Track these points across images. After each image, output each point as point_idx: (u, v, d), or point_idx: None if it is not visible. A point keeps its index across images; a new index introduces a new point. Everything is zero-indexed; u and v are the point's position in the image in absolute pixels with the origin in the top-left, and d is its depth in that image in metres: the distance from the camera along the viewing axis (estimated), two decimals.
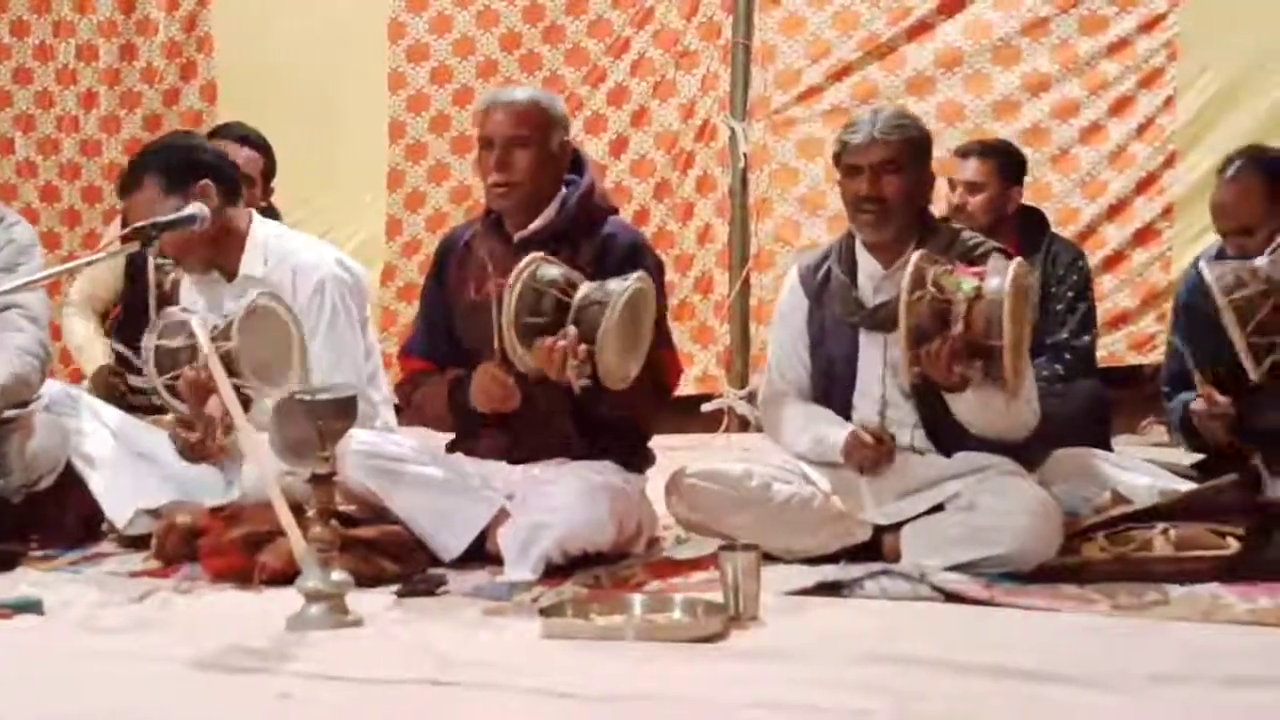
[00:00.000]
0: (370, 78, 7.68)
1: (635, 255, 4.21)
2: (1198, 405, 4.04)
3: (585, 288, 3.88)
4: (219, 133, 5.46)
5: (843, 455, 4.08)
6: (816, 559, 4.07)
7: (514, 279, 3.84)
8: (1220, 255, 4.19)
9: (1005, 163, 5.19)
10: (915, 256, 3.85)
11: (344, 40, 7.70)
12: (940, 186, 4.44)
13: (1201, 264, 3.93)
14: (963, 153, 5.22)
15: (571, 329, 3.81)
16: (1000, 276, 3.77)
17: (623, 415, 4.10)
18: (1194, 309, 4.13)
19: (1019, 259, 3.92)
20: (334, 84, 7.70)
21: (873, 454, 4.04)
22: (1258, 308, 3.79)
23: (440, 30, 7.63)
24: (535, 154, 4.15)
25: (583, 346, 3.79)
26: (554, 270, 3.89)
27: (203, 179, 4.32)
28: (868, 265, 4.16)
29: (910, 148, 4.09)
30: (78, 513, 4.50)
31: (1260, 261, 3.85)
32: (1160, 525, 3.91)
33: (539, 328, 3.83)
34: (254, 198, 5.08)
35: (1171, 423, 4.33)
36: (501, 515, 4.08)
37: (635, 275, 3.91)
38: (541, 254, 3.94)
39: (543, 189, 4.19)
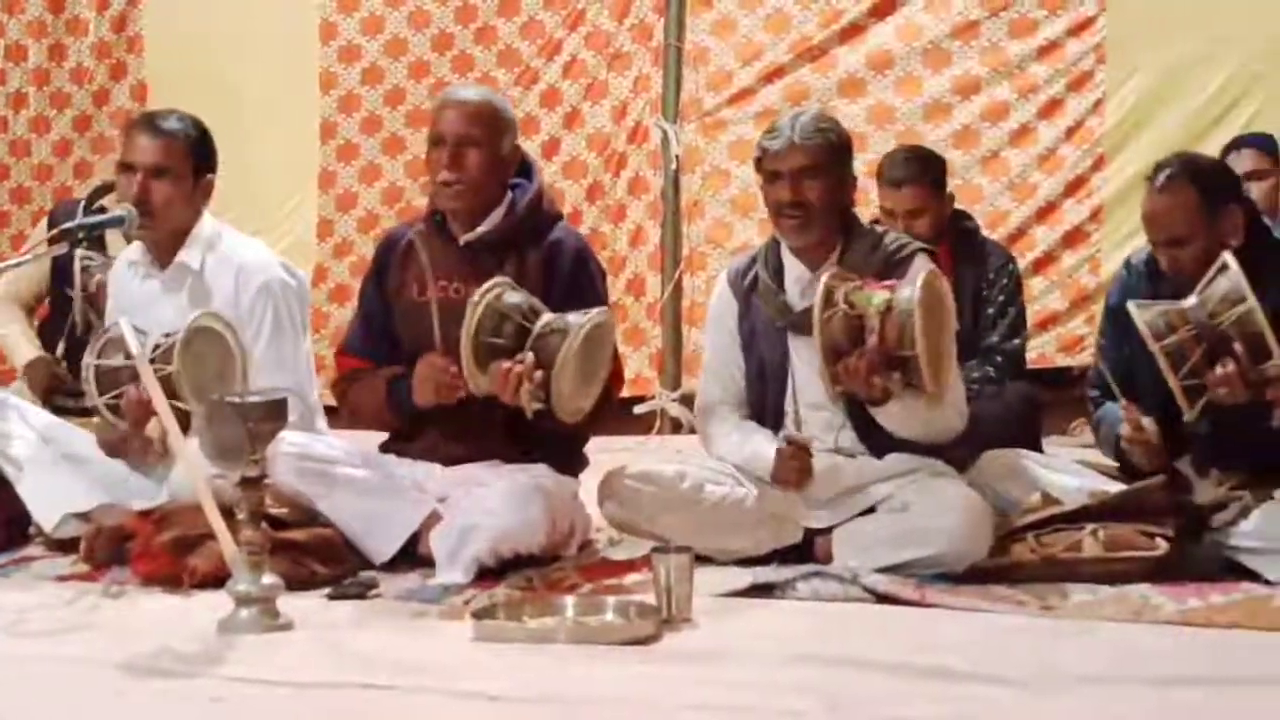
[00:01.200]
0: (301, 78, 7.64)
1: (582, 262, 4.21)
2: (1123, 431, 4.06)
3: (547, 316, 3.89)
4: None
5: (770, 476, 4.08)
6: (749, 560, 4.07)
7: (478, 298, 3.85)
8: (1150, 262, 4.20)
9: (935, 178, 5.18)
10: (825, 276, 3.86)
11: (275, 41, 7.66)
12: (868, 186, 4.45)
13: (1131, 306, 3.93)
14: (894, 183, 5.13)
15: (529, 355, 3.81)
16: (910, 287, 3.80)
17: (570, 431, 4.09)
18: (1124, 314, 4.15)
19: (931, 267, 3.94)
20: (265, 85, 7.65)
21: (797, 465, 4.04)
22: (1189, 353, 3.81)
23: (372, 31, 7.60)
24: (486, 154, 4.14)
25: (539, 373, 3.79)
26: (518, 296, 3.90)
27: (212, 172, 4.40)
28: (794, 269, 4.17)
29: (830, 152, 4.10)
30: (4, 516, 4.45)
31: (1189, 303, 3.85)
32: (1090, 526, 3.93)
33: (497, 350, 3.83)
34: None
35: (1099, 436, 4.35)
36: (433, 518, 4.06)
37: (598, 310, 3.92)
38: (508, 279, 3.95)
39: (491, 191, 4.18)
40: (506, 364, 3.82)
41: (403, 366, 4.17)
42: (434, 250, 4.22)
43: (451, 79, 7.37)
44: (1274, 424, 3.80)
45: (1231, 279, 3.80)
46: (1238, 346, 3.76)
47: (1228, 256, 3.84)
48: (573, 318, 3.87)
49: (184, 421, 3.81)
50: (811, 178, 4.06)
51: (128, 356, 3.97)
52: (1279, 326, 3.83)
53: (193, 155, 4.37)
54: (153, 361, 3.93)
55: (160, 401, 3.75)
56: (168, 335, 4.06)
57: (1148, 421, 4.01)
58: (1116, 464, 4.29)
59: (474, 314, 3.83)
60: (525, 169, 4.31)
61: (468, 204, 4.17)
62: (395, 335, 4.29)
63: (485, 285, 3.88)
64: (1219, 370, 3.78)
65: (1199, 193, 3.99)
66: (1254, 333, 3.76)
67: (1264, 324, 3.74)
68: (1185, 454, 4.10)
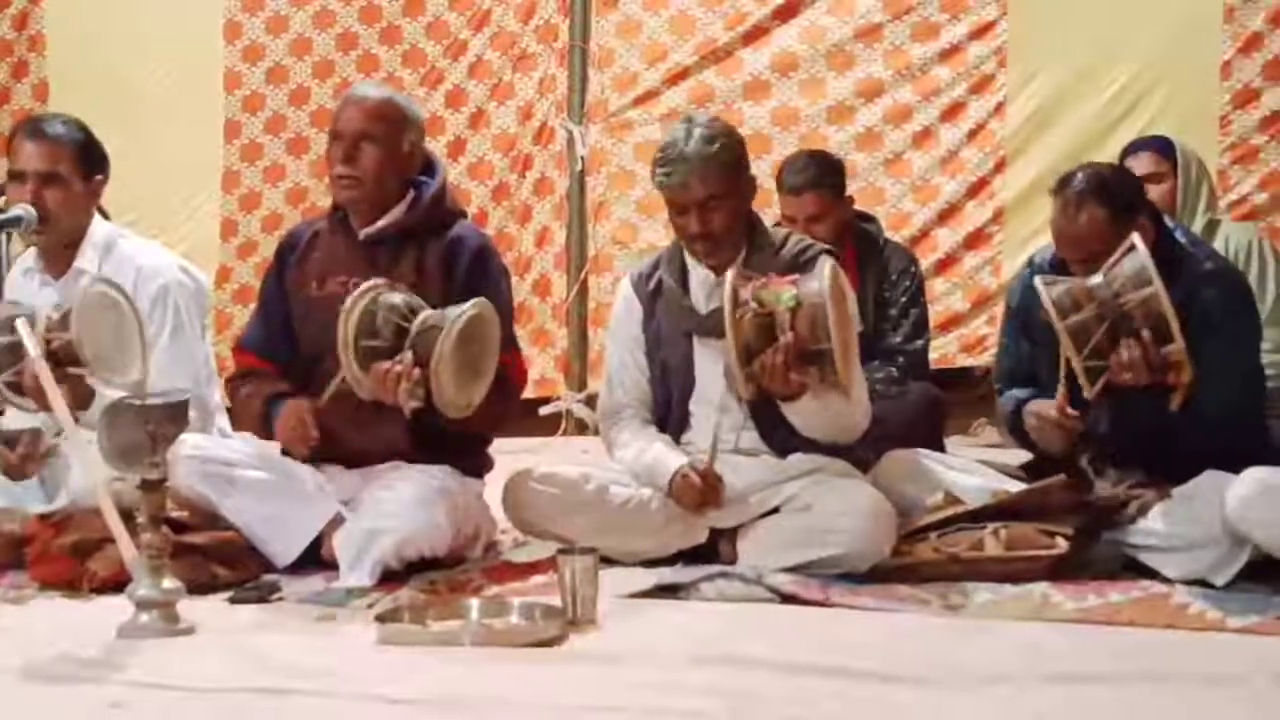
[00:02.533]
0: (206, 78, 7.57)
1: (482, 259, 4.20)
2: (1043, 409, 4.07)
3: (425, 313, 3.87)
4: None
5: (670, 493, 4.08)
6: (654, 561, 4.08)
7: (351, 303, 3.83)
8: (1055, 263, 4.23)
9: (834, 182, 5.19)
10: (729, 276, 3.87)
11: (179, 40, 7.58)
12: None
13: (1037, 282, 3.94)
14: (793, 189, 5.14)
15: (408, 354, 3.80)
16: (817, 281, 3.82)
17: (468, 430, 4.07)
18: (1030, 311, 4.18)
19: (832, 261, 3.96)
20: (169, 84, 7.58)
21: (698, 495, 4.04)
22: (1092, 332, 3.83)
23: (277, 30, 7.55)
24: (382, 152, 4.13)
25: (417, 370, 3.78)
26: (396, 297, 3.88)
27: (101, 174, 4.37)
28: (699, 272, 4.18)
29: (728, 174, 4.06)
30: None
31: (1094, 280, 3.87)
32: (991, 525, 3.96)
33: (377, 351, 3.82)
34: None
35: (1002, 417, 4.38)
36: (337, 520, 4.04)
37: (474, 301, 3.89)
38: (386, 280, 3.93)
39: (387, 188, 4.17)
40: (385, 364, 3.80)
41: (291, 379, 4.17)
42: (334, 245, 4.21)
43: (356, 79, 7.33)
44: (1173, 408, 3.84)
45: (1138, 260, 3.82)
46: (1142, 329, 3.80)
47: (1136, 238, 3.86)
48: (450, 311, 3.86)
49: (86, 391, 3.76)
50: (714, 208, 4.04)
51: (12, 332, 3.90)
52: (1182, 323, 3.88)
53: (81, 159, 4.33)
54: (49, 330, 3.87)
55: (46, 376, 3.70)
56: (58, 306, 4.00)
57: (1073, 412, 4.03)
58: (1017, 441, 4.32)
59: (349, 318, 3.82)
60: (429, 166, 4.29)
61: (361, 199, 4.16)
62: (294, 334, 4.26)
63: (361, 288, 3.87)
64: (1122, 351, 3.80)
65: (1111, 211, 4.00)
66: (1158, 315, 3.79)
67: (1168, 308, 3.77)
68: (1084, 453, 4.14)
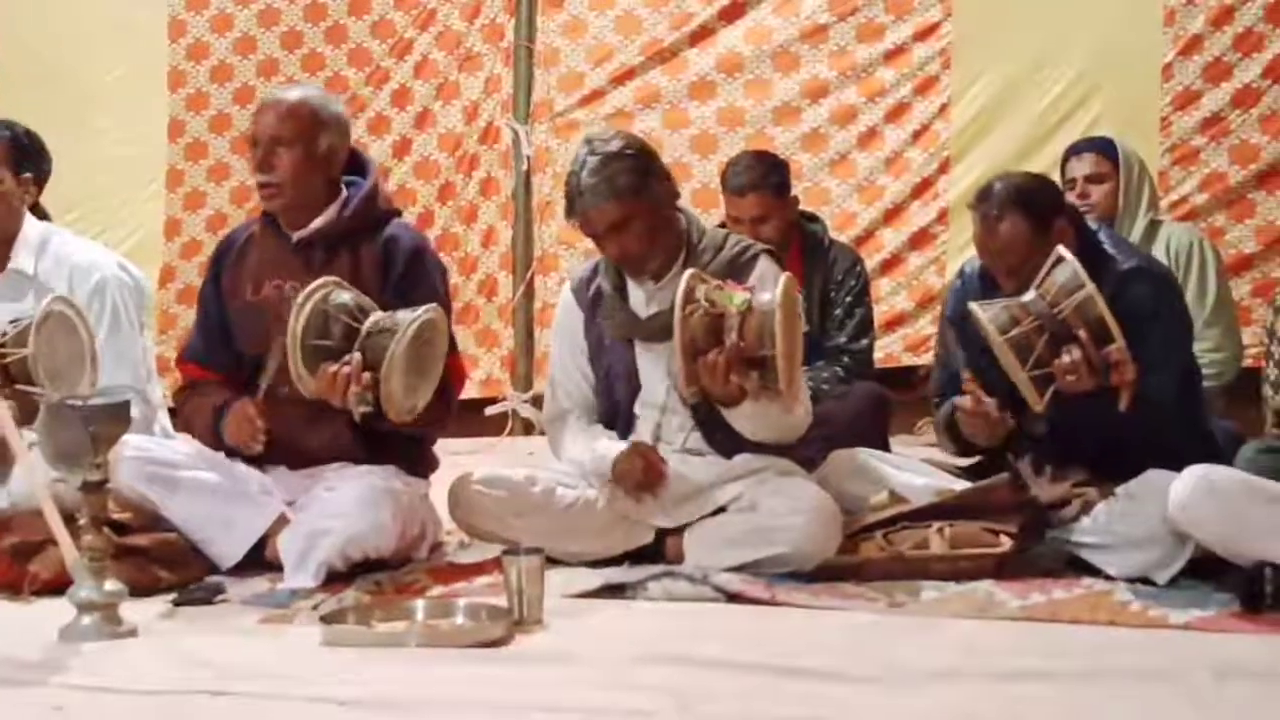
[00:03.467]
0: (150, 76, 7.52)
1: (418, 258, 4.18)
2: (964, 402, 4.10)
3: (376, 315, 3.85)
4: None
5: (614, 477, 4.09)
6: (601, 562, 4.08)
7: (303, 300, 3.81)
8: (985, 273, 4.26)
9: (778, 183, 5.20)
10: (686, 275, 3.87)
11: (124, 38, 7.53)
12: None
13: (973, 307, 3.98)
14: (737, 190, 5.12)
15: (356, 356, 3.79)
16: (770, 289, 3.83)
17: (409, 431, 4.06)
18: (961, 323, 4.21)
19: (788, 274, 3.96)
20: (113, 82, 7.53)
21: (641, 474, 4.05)
22: (1033, 344, 3.86)
23: (221, 29, 7.51)
24: (299, 155, 4.10)
25: (366, 374, 3.77)
26: (346, 296, 3.86)
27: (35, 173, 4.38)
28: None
29: (626, 198, 4.00)
30: None
31: (1028, 297, 3.90)
32: (936, 524, 3.99)
33: (325, 352, 3.80)
34: None
35: (937, 424, 4.40)
36: (281, 521, 4.02)
37: (427, 307, 3.88)
38: (335, 278, 3.91)
39: (310, 191, 4.14)
40: (334, 366, 3.79)
41: (238, 390, 4.14)
42: (268, 250, 4.19)
43: (301, 78, 7.31)
44: (1121, 408, 3.86)
45: (1069, 268, 3.86)
46: (1081, 333, 3.83)
47: (1062, 249, 3.91)
48: (402, 315, 3.84)
49: (33, 406, 3.75)
50: (623, 230, 4.03)
51: None
52: None
53: (10, 158, 4.31)
54: (3, 346, 3.86)
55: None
56: (14, 322, 3.98)
57: (988, 399, 4.05)
58: (954, 451, 4.34)
59: (299, 316, 3.79)
60: (360, 165, 4.27)
61: (286, 205, 4.14)
62: (233, 340, 4.24)
63: (311, 286, 3.85)
64: (1065, 358, 3.83)
65: (1030, 220, 4.04)
66: (1095, 318, 3.82)
67: (1104, 309, 3.80)
68: (1025, 456, 4.16)
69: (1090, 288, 3.81)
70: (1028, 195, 4.10)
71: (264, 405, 4.00)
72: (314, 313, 3.80)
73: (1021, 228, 4.04)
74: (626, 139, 4.12)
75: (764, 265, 4.07)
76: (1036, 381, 3.87)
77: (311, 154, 4.12)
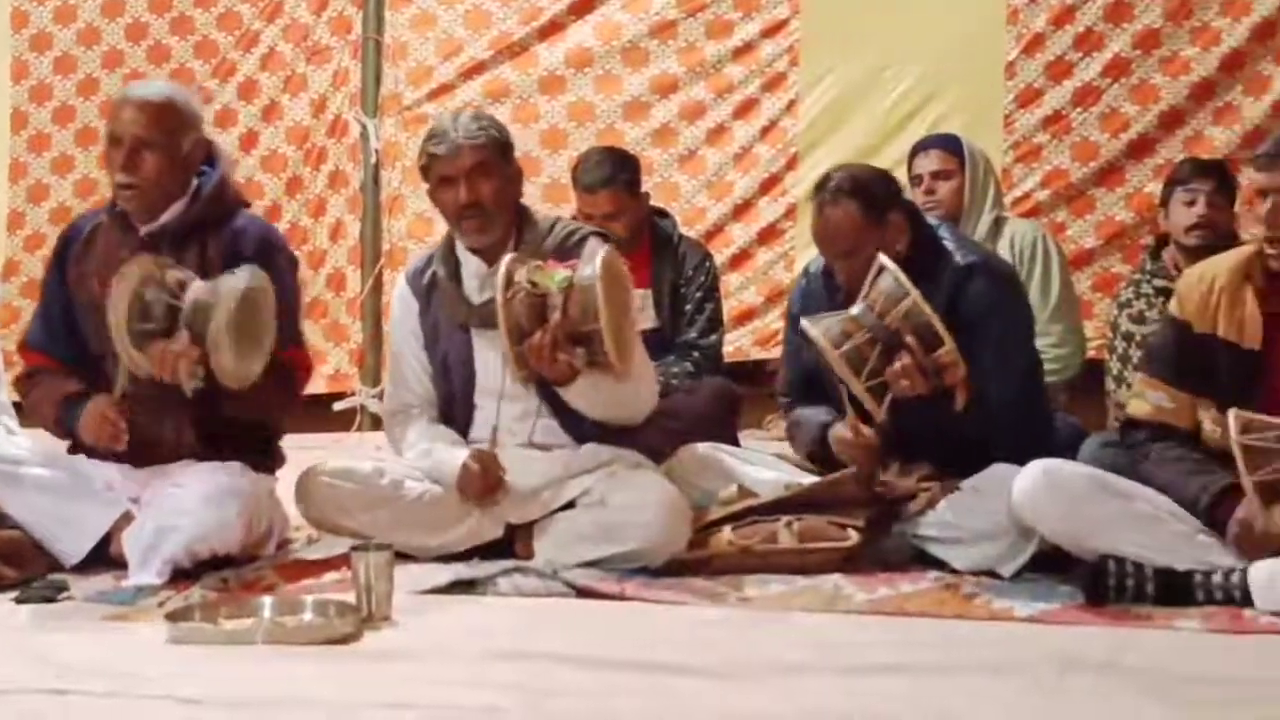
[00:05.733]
0: None
1: (266, 249, 4.14)
2: (843, 433, 4.14)
3: (195, 288, 3.80)
4: None
5: (455, 486, 4.07)
6: (450, 557, 4.06)
7: (117, 287, 3.76)
8: (829, 271, 4.30)
9: (628, 179, 5.21)
10: (505, 259, 3.89)
11: None
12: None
13: (804, 324, 4.03)
14: (588, 187, 5.14)
15: (184, 332, 3.74)
16: (591, 264, 3.84)
17: (249, 415, 4.01)
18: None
19: (608, 245, 3.98)
20: None
21: (480, 484, 4.04)
22: (866, 356, 3.92)
23: (64, 20, 7.37)
24: (164, 156, 4.04)
25: (195, 349, 3.71)
26: (166, 274, 3.82)
27: None
28: (471, 264, 4.19)
29: (497, 148, 4.14)
30: None
31: (856, 310, 3.96)
32: (784, 518, 4.01)
33: (151, 333, 3.75)
34: None
35: (798, 442, 4.43)
36: (126, 518, 3.96)
37: (246, 268, 3.85)
38: (150, 256, 3.85)
39: (170, 190, 4.08)
40: (161, 345, 3.75)
41: (83, 378, 4.08)
42: (115, 242, 4.12)
43: (147, 69, 7.20)
44: (958, 408, 3.92)
45: (890, 277, 3.92)
46: (910, 339, 3.88)
47: (882, 258, 3.98)
48: (223, 283, 3.80)
49: None
50: (484, 176, 4.09)
51: None
52: (950, 320, 3.97)
53: None
54: None
55: None
56: None
57: (867, 430, 4.09)
58: (812, 462, 4.38)
59: (118, 305, 3.75)
60: (210, 156, 4.22)
61: (145, 204, 4.08)
62: (78, 331, 4.16)
63: (121, 271, 3.80)
64: (897, 365, 3.89)
65: (862, 206, 4.12)
66: (923, 323, 3.88)
67: (930, 313, 3.87)
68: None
69: (914, 294, 3.87)
70: (863, 184, 4.18)
71: (122, 403, 3.93)
72: (132, 300, 3.75)
73: (853, 214, 4.11)
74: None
75: (593, 246, 4.08)
76: (873, 391, 3.93)
77: (176, 154, 4.06)
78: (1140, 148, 6.39)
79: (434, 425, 4.25)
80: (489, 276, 4.09)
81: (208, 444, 4.05)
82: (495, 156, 4.12)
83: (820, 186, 4.21)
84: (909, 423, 4.03)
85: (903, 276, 3.90)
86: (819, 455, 4.29)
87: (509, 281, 3.84)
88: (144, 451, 4.08)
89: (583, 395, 3.99)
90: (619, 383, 3.97)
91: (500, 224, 4.12)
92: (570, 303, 3.82)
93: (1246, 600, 3.50)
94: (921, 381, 3.90)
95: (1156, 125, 6.36)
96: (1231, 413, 3.47)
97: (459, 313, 4.17)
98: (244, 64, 7.26)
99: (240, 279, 3.80)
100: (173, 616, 3.40)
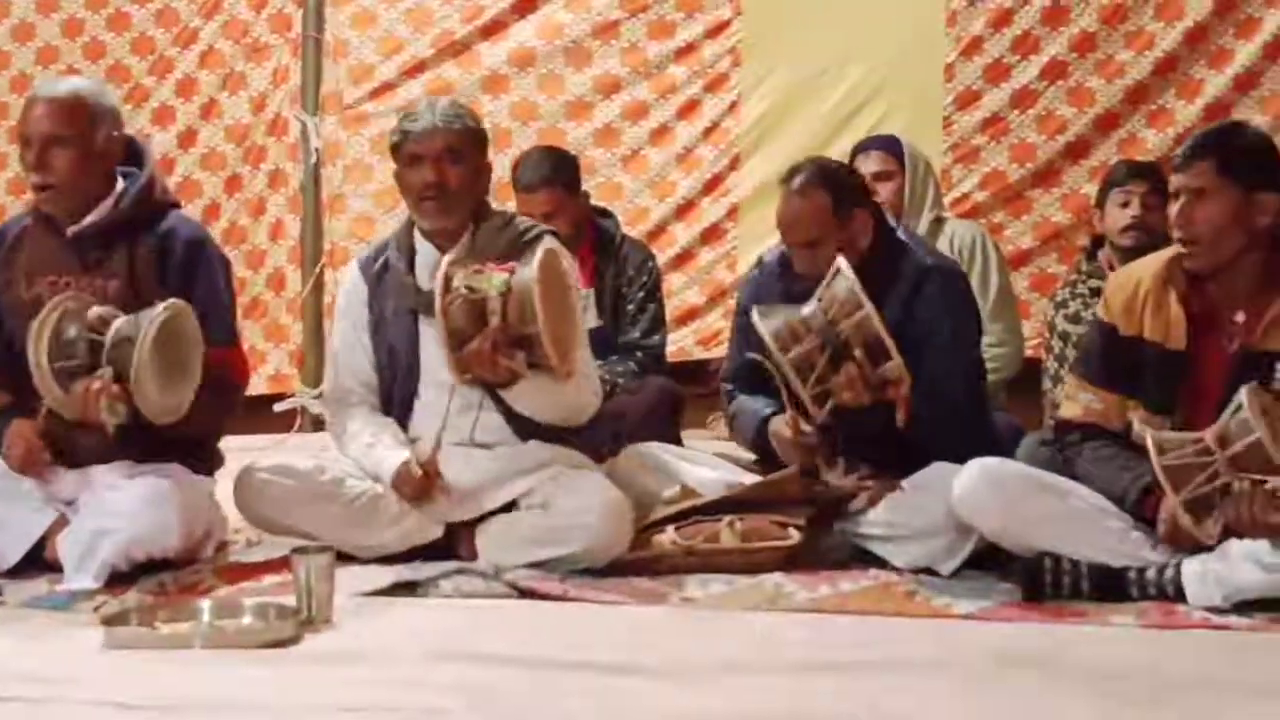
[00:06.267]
0: None
1: (197, 250, 4.11)
2: (782, 430, 4.16)
3: (117, 323, 3.77)
4: None
5: (392, 486, 4.06)
6: (392, 558, 4.04)
7: (37, 327, 3.72)
8: (783, 260, 4.32)
9: (568, 179, 5.21)
10: (444, 263, 3.88)
11: None
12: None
13: (754, 317, 4.04)
14: (527, 187, 5.15)
15: (107, 370, 3.71)
16: (528, 266, 3.84)
17: (186, 434, 3.98)
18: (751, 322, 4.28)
19: (549, 247, 3.98)
20: None
21: (417, 487, 4.03)
22: (814, 362, 3.94)
23: None
24: (75, 153, 4.00)
25: (116, 386, 3.70)
26: (89, 311, 3.78)
27: None
28: (425, 251, 4.19)
29: (470, 137, 4.15)
30: None
31: (808, 310, 3.97)
32: (727, 517, 4.02)
33: (74, 372, 3.72)
34: None
35: (738, 430, 4.44)
36: (61, 522, 3.92)
37: (166, 303, 3.80)
38: (71, 294, 3.83)
39: (88, 187, 4.04)
40: (83, 383, 3.71)
41: (12, 385, 4.01)
42: (41, 244, 4.08)
43: (84, 66, 7.13)
44: (898, 424, 3.95)
45: (846, 283, 3.93)
46: (858, 352, 3.91)
47: (841, 261, 3.99)
48: (144, 317, 3.76)
49: None
50: (453, 161, 4.09)
51: None
52: (904, 321, 3.99)
53: None
54: None
55: None
56: None
57: (808, 427, 4.11)
58: (754, 455, 4.40)
59: (39, 343, 3.71)
60: (136, 155, 4.18)
61: (62, 203, 4.04)
62: (7, 336, 4.11)
63: (44, 311, 3.75)
64: (842, 375, 3.91)
65: (831, 197, 4.15)
66: (873, 336, 3.90)
67: (880, 328, 3.89)
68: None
69: (868, 307, 3.89)
70: (835, 176, 4.24)
71: (45, 424, 3.89)
72: (53, 335, 3.71)
73: (820, 201, 4.14)
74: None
75: (546, 245, 4.08)
76: (816, 397, 3.95)
77: (89, 151, 4.02)
78: (1076, 150, 6.45)
79: (375, 415, 4.23)
80: (439, 265, 4.09)
81: (145, 446, 4.01)
82: (467, 145, 4.13)
83: (792, 174, 4.23)
84: (850, 427, 4.05)
85: (859, 288, 3.90)
86: (759, 446, 4.31)
87: (447, 286, 3.83)
88: (80, 454, 4.04)
89: (525, 397, 3.99)
90: (562, 384, 3.97)
91: (460, 211, 4.11)
92: (509, 306, 3.81)
93: (1180, 596, 3.54)
94: (865, 393, 3.92)
95: (1092, 128, 6.42)
96: (1148, 436, 3.49)
97: (406, 297, 4.16)
98: (182, 61, 7.21)
99: (161, 313, 3.75)
100: (109, 621, 3.37)
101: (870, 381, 3.91)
